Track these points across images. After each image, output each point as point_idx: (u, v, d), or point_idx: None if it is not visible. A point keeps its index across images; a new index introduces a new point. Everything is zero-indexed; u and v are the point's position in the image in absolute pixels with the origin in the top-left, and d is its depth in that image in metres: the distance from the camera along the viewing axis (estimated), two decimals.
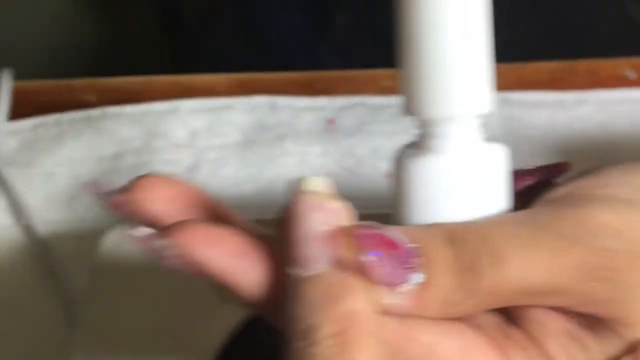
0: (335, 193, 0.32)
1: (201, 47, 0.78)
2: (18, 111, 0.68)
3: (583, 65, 0.70)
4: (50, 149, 0.65)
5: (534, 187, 0.38)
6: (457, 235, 0.33)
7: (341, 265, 0.31)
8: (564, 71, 0.69)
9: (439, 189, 0.35)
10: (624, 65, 0.70)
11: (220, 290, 0.34)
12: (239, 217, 0.36)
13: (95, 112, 0.67)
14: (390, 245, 0.32)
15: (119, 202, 0.34)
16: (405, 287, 0.32)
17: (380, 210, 0.39)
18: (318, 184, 0.32)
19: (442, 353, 0.33)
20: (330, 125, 0.65)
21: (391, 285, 0.32)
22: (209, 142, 0.65)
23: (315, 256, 0.31)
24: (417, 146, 0.36)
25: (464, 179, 0.35)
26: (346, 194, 0.39)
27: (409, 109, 0.35)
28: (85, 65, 0.75)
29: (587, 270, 0.33)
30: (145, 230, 0.33)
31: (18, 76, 0.69)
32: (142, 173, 0.58)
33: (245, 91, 0.68)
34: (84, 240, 0.57)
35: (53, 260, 0.58)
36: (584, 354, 0.34)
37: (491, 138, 0.36)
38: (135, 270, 0.52)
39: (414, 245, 0.32)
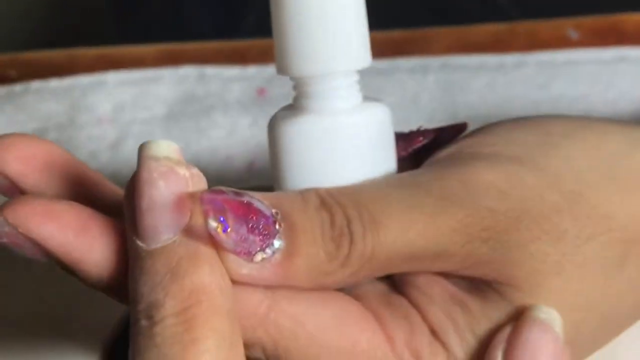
0: (183, 159, 0.30)
1: (135, 18, 0.76)
2: None
3: (524, 26, 0.68)
4: None
5: (427, 148, 0.36)
6: (328, 201, 0.31)
7: (189, 234, 0.29)
8: (505, 33, 0.68)
9: (316, 151, 0.33)
10: (567, 25, 0.68)
11: (68, 271, 0.31)
12: (102, 180, 0.34)
13: (17, 87, 0.64)
14: (243, 210, 0.29)
15: None
16: (261, 256, 0.30)
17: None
18: (166, 149, 0.30)
19: (312, 324, 0.31)
20: (260, 95, 0.63)
21: (246, 253, 0.30)
22: (134, 115, 0.63)
23: (161, 227, 0.29)
24: (292, 107, 0.34)
25: (343, 139, 0.33)
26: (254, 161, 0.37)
27: (282, 67, 0.33)
28: (11, 39, 0.72)
29: (468, 231, 0.31)
30: None
31: None
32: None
33: (175, 62, 0.66)
34: None
35: None
36: (467, 318, 0.33)
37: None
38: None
39: (273, 210, 0.30)
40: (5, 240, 0.31)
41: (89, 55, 0.66)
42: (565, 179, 0.33)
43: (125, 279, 0.30)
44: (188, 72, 0.64)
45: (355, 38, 0.33)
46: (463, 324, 0.33)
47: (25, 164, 0.33)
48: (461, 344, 0.33)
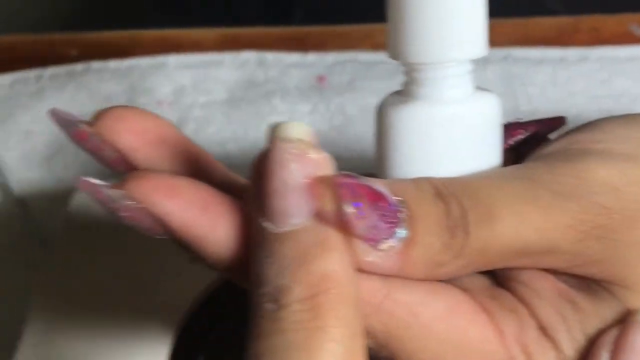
0: (316, 142, 0.29)
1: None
2: None
3: (587, 21, 0.67)
4: (28, 106, 0.63)
5: (526, 141, 0.36)
6: (444, 191, 0.30)
7: (320, 218, 0.28)
8: (568, 27, 0.67)
9: (426, 138, 0.32)
10: (629, 20, 0.67)
11: (184, 249, 0.31)
12: (212, 159, 0.33)
13: (78, 66, 0.64)
14: (374, 196, 0.29)
15: (83, 133, 0.31)
16: (388, 244, 0.29)
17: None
18: (299, 131, 0.29)
19: (426, 314, 0.31)
20: (320, 82, 0.63)
21: (374, 240, 0.29)
22: (194, 99, 0.63)
23: (291, 210, 0.28)
24: (403, 93, 0.33)
25: (454, 128, 0.32)
26: (335, 154, 0.37)
27: (395, 52, 0.32)
28: (67, 19, 0.73)
29: (582, 228, 0.30)
30: (98, 181, 0.30)
31: None
32: None
33: (234, 46, 0.65)
34: (60, 199, 0.55)
35: (29, 219, 0.56)
36: (578, 316, 0.32)
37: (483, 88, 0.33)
38: (103, 228, 0.50)
39: (398, 198, 0.29)
40: (125, 214, 0.30)
41: (149, 37, 0.67)
42: None
43: (246, 259, 0.30)
44: (248, 56, 0.64)
45: (472, 26, 0.32)
46: (573, 321, 0.32)
47: (137, 137, 0.32)
48: (571, 342, 0.32)
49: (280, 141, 0.28)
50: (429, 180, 0.31)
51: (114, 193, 0.29)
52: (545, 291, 0.32)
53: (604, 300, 0.32)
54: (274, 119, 0.61)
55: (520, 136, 0.36)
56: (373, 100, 0.61)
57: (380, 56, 0.65)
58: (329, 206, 0.28)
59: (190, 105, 0.62)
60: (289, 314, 0.28)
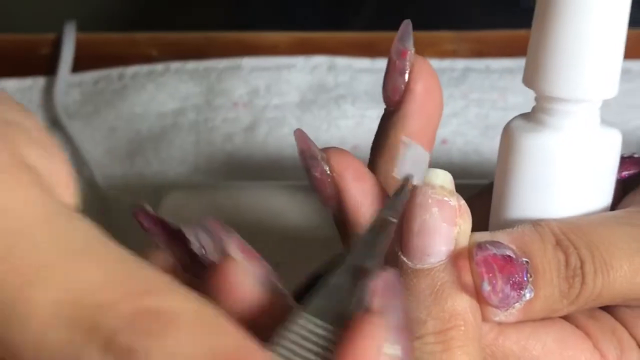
0: (454, 189, 0.32)
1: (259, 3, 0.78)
2: (80, 63, 0.68)
3: None
4: (112, 103, 0.66)
5: (633, 176, 0.38)
6: (564, 241, 0.32)
7: (453, 261, 0.31)
8: (632, 39, 0.68)
9: (551, 166, 0.34)
10: None
11: (338, 228, 0.34)
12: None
13: (158, 66, 0.67)
14: (506, 266, 0.31)
15: (323, 172, 0.34)
16: (515, 308, 0.32)
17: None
18: (442, 178, 0.32)
19: (537, 348, 0.33)
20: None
21: (504, 307, 0.32)
22: (268, 101, 0.65)
23: (430, 250, 0.31)
24: (531, 119, 0.35)
25: (579, 160, 0.34)
26: None
27: (530, 81, 0.34)
28: (144, 18, 0.75)
29: None
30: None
31: (80, 28, 0.69)
32: (202, 130, 0.59)
33: (306, 50, 0.68)
34: (142, 196, 0.57)
35: (112, 214, 0.59)
36: None
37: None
38: None
39: (525, 260, 0.32)
40: (317, 174, 0.33)
41: (224, 38, 0.69)
42: None
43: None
44: (320, 61, 0.67)
45: (607, 71, 0.33)
46: None
47: (353, 177, 0.34)
48: None
49: (424, 185, 0.32)
50: (550, 228, 0.33)
51: (319, 153, 0.33)
52: None
53: None
54: (344, 123, 0.64)
55: (632, 171, 0.37)
56: None
57: (446, 63, 0.67)
58: (467, 279, 0.31)
59: (264, 107, 0.65)
60: (423, 344, 0.31)
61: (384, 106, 0.64)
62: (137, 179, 0.62)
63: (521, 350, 0.33)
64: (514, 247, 0.32)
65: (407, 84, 0.36)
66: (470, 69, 0.67)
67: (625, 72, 0.65)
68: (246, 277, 0.29)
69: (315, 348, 0.26)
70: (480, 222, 0.36)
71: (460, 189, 0.39)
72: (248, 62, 0.67)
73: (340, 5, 0.78)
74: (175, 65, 0.67)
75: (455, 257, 0.31)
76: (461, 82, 0.66)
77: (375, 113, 0.64)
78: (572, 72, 0.33)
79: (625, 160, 0.37)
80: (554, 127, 0.34)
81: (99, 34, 0.70)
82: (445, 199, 0.31)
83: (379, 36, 0.69)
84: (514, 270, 0.31)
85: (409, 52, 0.36)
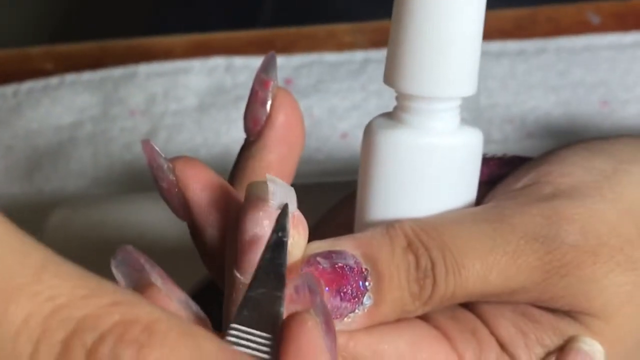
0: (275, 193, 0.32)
1: (160, 9, 0.77)
2: None
3: (545, 12, 0.69)
4: (8, 121, 0.65)
5: (501, 175, 0.38)
6: (415, 241, 0.33)
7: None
8: (526, 19, 0.69)
9: (410, 165, 0.34)
10: (587, 9, 0.69)
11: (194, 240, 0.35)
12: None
13: (53, 80, 0.66)
14: (337, 280, 0.31)
15: (171, 183, 0.34)
16: (352, 317, 0.32)
17: (337, 177, 0.38)
18: (263, 189, 0.32)
19: (389, 352, 0.33)
20: (287, 85, 0.65)
21: (337, 318, 0.32)
22: (165, 107, 0.64)
23: (253, 264, 0.31)
24: (392, 117, 0.35)
25: (437, 158, 0.34)
26: (303, 156, 0.39)
27: (390, 80, 0.34)
28: (43, 32, 0.74)
29: (548, 268, 0.33)
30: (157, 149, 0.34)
31: None
32: (100, 141, 0.58)
33: (204, 52, 0.67)
34: (40, 212, 0.56)
35: None
36: (537, 331, 0.34)
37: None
38: (79, 250, 0.52)
39: (364, 267, 0.32)
40: (164, 185, 0.34)
41: (119, 46, 0.68)
42: (638, 208, 0.35)
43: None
44: (217, 62, 0.66)
45: (465, 68, 0.33)
46: (533, 335, 0.34)
47: (199, 186, 0.35)
48: (531, 357, 0.34)
49: (253, 198, 0.31)
50: (402, 229, 0.33)
51: (165, 163, 0.34)
52: (507, 310, 0.34)
53: (563, 319, 0.34)
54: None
55: (497, 171, 0.38)
56: (338, 102, 0.64)
57: (343, 56, 0.67)
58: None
59: (162, 114, 0.64)
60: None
61: None
62: (36, 196, 0.61)
63: (373, 355, 0.33)
64: (358, 252, 0.32)
65: (269, 115, 0.36)
66: (369, 60, 0.67)
67: (520, 53, 0.66)
68: (171, 302, 0.29)
69: (258, 356, 0.27)
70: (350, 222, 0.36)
71: (348, 186, 0.38)
72: (144, 68, 0.66)
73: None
74: (70, 77, 0.66)
75: (288, 271, 0.30)
76: (360, 73, 0.66)
77: None
78: (431, 70, 0.33)
79: (489, 162, 0.38)
80: (413, 125, 0.34)
81: None
82: (268, 209, 0.31)
83: (278, 32, 0.69)
84: (345, 281, 0.32)
85: (271, 83, 0.36)
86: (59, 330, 0.23)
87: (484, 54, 0.65)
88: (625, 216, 0.34)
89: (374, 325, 0.33)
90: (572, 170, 0.35)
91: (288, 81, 0.65)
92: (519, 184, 0.36)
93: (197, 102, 0.64)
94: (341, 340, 0.32)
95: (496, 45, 0.66)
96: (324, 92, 0.64)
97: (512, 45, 0.66)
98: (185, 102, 0.65)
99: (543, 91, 0.64)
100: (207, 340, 0.24)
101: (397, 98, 0.34)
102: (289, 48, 0.67)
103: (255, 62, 0.66)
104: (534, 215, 0.33)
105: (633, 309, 0.34)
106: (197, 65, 0.66)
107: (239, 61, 0.66)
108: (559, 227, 0.33)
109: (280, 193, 0.31)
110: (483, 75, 0.65)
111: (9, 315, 0.23)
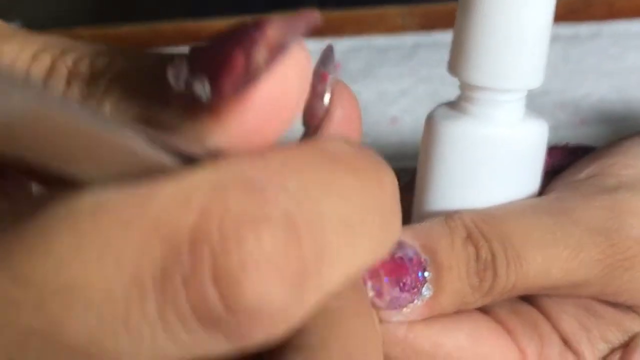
0: None
1: None
2: None
3: None
4: None
5: (563, 166, 0.37)
6: (475, 232, 0.32)
7: None
8: (580, 2, 0.68)
9: (473, 155, 0.33)
10: None
11: None
12: None
13: None
14: (397, 270, 0.31)
15: None
16: (411, 308, 0.32)
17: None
18: None
19: (449, 345, 0.33)
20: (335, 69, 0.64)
21: (396, 310, 0.31)
22: None
23: None
24: (455, 107, 0.34)
25: (501, 149, 0.34)
26: None
27: (455, 70, 0.33)
28: (91, 12, 0.74)
29: (610, 262, 0.32)
30: None
31: (25, 25, 0.68)
32: None
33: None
34: None
35: None
36: (600, 326, 0.34)
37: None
38: None
39: (423, 257, 0.31)
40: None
41: (169, 28, 0.68)
42: None
43: None
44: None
45: (534, 60, 0.33)
46: (596, 331, 0.34)
47: None
48: (594, 352, 0.33)
49: None
50: (462, 220, 0.32)
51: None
52: (569, 304, 0.34)
53: (627, 314, 0.34)
54: None
55: (560, 161, 0.37)
56: (388, 86, 0.63)
57: (393, 40, 0.66)
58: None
59: None
60: None
61: None
62: None
63: (433, 347, 0.32)
64: (417, 243, 0.31)
65: (327, 109, 0.35)
66: (419, 45, 0.66)
67: (573, 38, 0.65)
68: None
69: None
70: (406, 212, 0.35)
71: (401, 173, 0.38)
72: None
73: None
74: None
75: None
76: (410, 58, 0.65)
77: None
78: (499, 62, 0.33)
79: (552, 151, 0.37)
80: (477, 116, 0.33)
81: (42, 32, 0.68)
82: None
83: (327, 15, 0.68)
84: (405, 272, 0.31)
85: (330, 76, 0.35)
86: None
87: None
88: None
89: (434, 318, 0.32)
90: (635, 162, 0.35)
91: (336, 65, 0.64)
92: (582, 175, 0.35)
93: None
94: (401, 332, 0.32)
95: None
96: (372, 77, 0.63)
97: (565, 29, 0.65)
98: None
99: (596, 76, 0.63)
100: None
101: (460, 87, 0.34)
102: (337, 31, 0.67)
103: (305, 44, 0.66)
104: (596, 208, 0.33)
105: None
106: None
107: None
108: (623, 220, 0.33)
109: None
110: None
111: None
